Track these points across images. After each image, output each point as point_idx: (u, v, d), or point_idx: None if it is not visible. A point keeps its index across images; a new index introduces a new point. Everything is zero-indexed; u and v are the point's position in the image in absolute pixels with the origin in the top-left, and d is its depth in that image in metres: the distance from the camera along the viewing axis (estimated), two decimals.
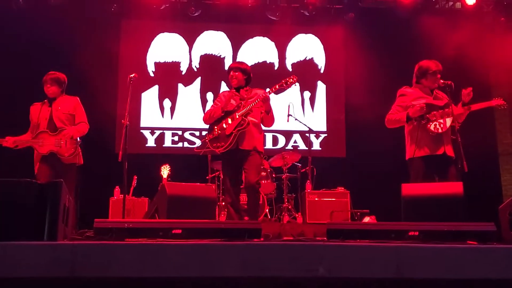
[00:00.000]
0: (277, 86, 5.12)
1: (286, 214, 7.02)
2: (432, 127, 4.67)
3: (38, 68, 5.75)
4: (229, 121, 5.07)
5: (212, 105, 5.38)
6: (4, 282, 2.09)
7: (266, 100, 5.06)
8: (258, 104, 5.07)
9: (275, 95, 5.14)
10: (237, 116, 5.04)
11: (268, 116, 5.17)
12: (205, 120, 5.29)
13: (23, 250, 2.10)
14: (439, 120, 4.68)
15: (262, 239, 3.13)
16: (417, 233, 2.75)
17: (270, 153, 7.76)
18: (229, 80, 5.33)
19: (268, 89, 5.12)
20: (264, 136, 8.10)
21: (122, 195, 5.11)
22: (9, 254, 2.09)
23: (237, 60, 8.59)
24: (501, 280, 2.18)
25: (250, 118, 5.05)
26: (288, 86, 5.19)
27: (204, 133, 8.47)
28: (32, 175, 5.12)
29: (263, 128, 5.32)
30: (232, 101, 5.19)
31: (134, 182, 7.03)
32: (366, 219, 6.51)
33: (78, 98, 5.42)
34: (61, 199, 2.39)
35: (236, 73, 5.22)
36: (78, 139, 5.24)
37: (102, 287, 2.13)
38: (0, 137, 5.22)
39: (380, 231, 2.81)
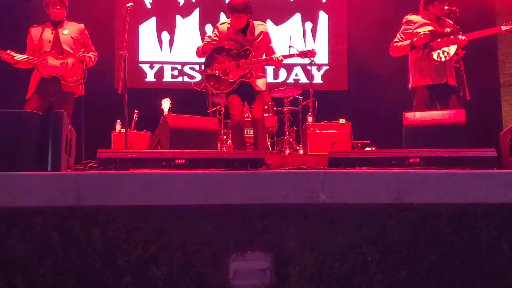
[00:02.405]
0: (295, 55, 5.04)
1: (287, 147, 7.07)
2: (435, 56, 4.63)
3: None
4: (233, 67, 4.90)
5: (209, 37, 5.17)
6: (10, 212, 2.12)
7: (279, 64, 5.01)
8: (263, 61, 4.96)
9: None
10: (243, 66, 4.89)
11: (276, 68, 5.13)
12: (198, 55, 5.12)
13: (28, 179, 2.12)
14: (443, 48, 4.62)
15: (264, 168, 3.17)
16: (417, 160, 2.77)
17: (271, 87, 7.70)
18: (232, 20, 5.06)
19: (283, 55, 5.04)
20: (265, 69, 8.07)
21: (124, 129, 5.12)
22: (14, 184, 2.12)
23: None
24: (500, 204, 2.22)
25: (254, 72, 4.92)
26: (306, 57, 5.10)
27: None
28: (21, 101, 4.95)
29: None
30: (235, 42, 5.02)
31: (135, 116, 7.04)
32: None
33: (83, 25, 5.28)
34: (63, 130, 2.40)
35: (242, 15, 4.94)
36: (84, 69, 5.09)
37: (107, 216, 2.17)
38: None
39: (381, 158, 2.83)
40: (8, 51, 4.88)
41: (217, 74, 4.95)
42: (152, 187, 2.17)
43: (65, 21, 5.16)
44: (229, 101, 5.08)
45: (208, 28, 8.53)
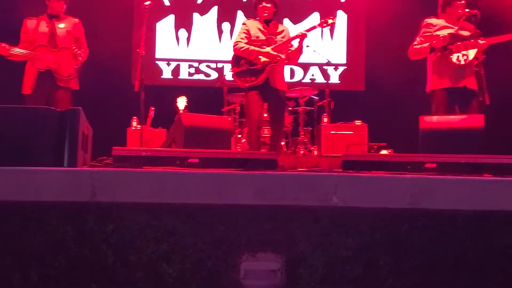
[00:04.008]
0: (316, 26, 5.07)
1: (301, 147, 7.05)
2: (454, 59, 4.58)
3: None
4: (260, 56, 4.98)
5: (240, 34, 5.20)
6: (26, 206, 2.15)
7: (303, 38, 5.00)
8: (288, 41, 5.02)
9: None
10: (270, 52, 4.97)
11: (298, 54, 5.13)
12: (236, 51, 5.15)
13: (45, 175, 2.15)
14: (462, 52, 4.57)
15: (277, 169, 3.16)
16: (434, 165, 2.74)
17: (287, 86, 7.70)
18: (258, 11, 5.17)
19: (305, 29, 5.05)
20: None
21: (140, 126, 5.14)
22: (31, 179, 2.15)
23: None
24: None
25: (280, 55, 5.00)
26: (327, 26, 5.12)
27: (220, 65, 8.43)
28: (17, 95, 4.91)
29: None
30: (261, 34, 5.10)
31: (151, 113, 7.07)
32: (383, 153, 6.52)
33: (78, 20, 5.17)
34: (79, 126, 2.42)
35: (269, 5, 5.09)
36: (78, 64, 4.99)
37: (121, 212, 2.19)
38: None
39: (396, 162, 2.81)
40: (3, 44, 4.81)
41: (245, 67, 5.02)
42: (165, 185, 2.18)
43: (62, 15, 5.07)
44: (248, 99, 5.12)
45: (226, 26, 8.54)
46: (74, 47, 4.95)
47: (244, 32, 5.18)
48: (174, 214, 2.21)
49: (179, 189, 2.18)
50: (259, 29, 5.15)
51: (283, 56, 5.04)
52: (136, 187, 2.16)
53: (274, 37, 5.08)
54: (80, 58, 5.02)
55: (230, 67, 5.26)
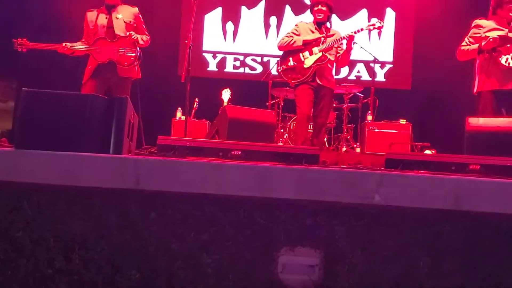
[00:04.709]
0: (363, 28, 5.11)
1: (344, 144, 7.00)
2: (503, 61, 4.46)
3: None
4: (307, 54, 5.10)
5: (287, 34, 5.31)
6: (72, 190, 2.21)
7: (352, 40, 5.09)
8: (338, 43, 5.08)
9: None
10: (318, 51, 5.06)
11: (347, 55, 5.21)
12: (281, 47, 5.29)
13: (91, 161, 2.21)
14: (511, 54, 4.45)
15: (319, 165, 3.16)
16: (478, 167, 2.69)
17: None
18: (313, 13, 5.29)
19: (353, 31, 5.10)
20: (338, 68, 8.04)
21: (184, 116, 5.21)
22: (77, 164, 2.21)
23: None
24: None
25: (329, 56, 5.07)
26: (374, 29, 5.19)
27: (266, 59, 8.45)
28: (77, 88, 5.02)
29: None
30: (312, 35, 5.18)
31: (196, 105, 7.16)
32: (427, 152, 6.42)
33: (137, 9, 5.23)
34: (126, 115, 2.47)
35: (324, 8, 5.21)
36: (138, 49, 5.03)
37: (164, 201, 2.23)
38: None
39: (440, 163, 2.76)
40: (64, 44, 4.95)
41: (292, 65, 5.11)
42: (208, 176, 2.21)
43: (119, 5, 5.14)
44: (297, 94, 5.19)
45: (273, 20, 8.55)
46: (130, 33, 4.99)
47: (293, 32, 5.28)
48: (215, 205, 2.24)
49: (221, 181, 2.20)
50: (311, 31, 5.23)
51: (331, 58, 5.09)
52: (179, 177, 2.20)
53: (324, 38, 5.13)
54: (142, 42, 5.07)
55: (278, 64, 5.33)
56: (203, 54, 8.56)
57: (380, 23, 5.12)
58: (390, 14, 8.61)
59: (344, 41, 5.14)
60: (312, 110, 5.25)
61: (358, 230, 2.23)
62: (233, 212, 2.24)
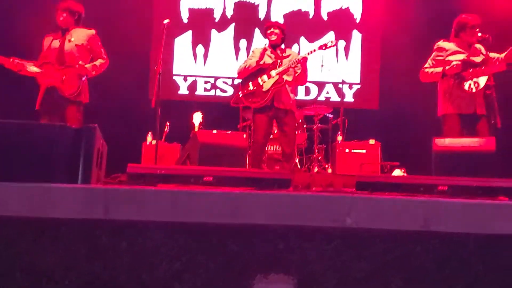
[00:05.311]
0: (316, 49, 5.22)
1: (316, 164, 7.05)
2: (466, 86, 4.58)
3: None
4: (265, 77, 5.18)
5: (245, 61, 5.44)
6: (39, 222, 2.17)
7: (305, 61, 5.18)
8: (294, 65, 5.17)
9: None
10: (275, 74, 5.15)
11: (304, 75, 5.30)
12: (240, 73, 5.39)
13: (59, 192, 2.17)
14: (474, 79, 4.57)
15: (291, 189, 3.17)
16: (446, 188, 2.74)
17: (302, 104, 7.73)
18: (267, 36, 5.43)
19: (307, 52, 5.22)
20: (297, 87, 8.11)
21: (155, 141, 5.18)
22: (44, 195, 2.17)
23: (271, 7, 8.55)
24: None
25: (286, 77, 5.16)
26: (327, 48, 5.30)
27: (236, 81, 8.48)
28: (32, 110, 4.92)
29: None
30: (268, 58, 5.27)
31: (167, 128, 7.13)
32: (397, 172, 6.50)
33: (94, 31, 5.09)
34: (95, 144, 2.45)
35: (277, 31, 5.34)
36: (84, 79, 4.91)
37: (134, 230, 2.20)
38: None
39: (409, 184, 2.81)
40: (11, 59, 4.82)
41: (252, 89, 5.17)
42: (179, 204, 2.19)
43: (73, 28, 5.00)
44: (255, 121, 5.31)
45: (243, 43, 8.61)
46: (78, 64, 4.87)
47: (250, 58, 5.42)
48: (187, 233, 2.22)
49: (192, 208, 2.19)
50: (267, 54, 5.34)
51: (288, 79, 5.18)
52: (149, 206, 2.18)
53: (280, 60, 5.25)
54: (93, 72, 4.97)
55: (239, 89, 5.40)
56: (174, 77, 8.56)
57: (331, 42, 5.25)
58: (356, 36, 8.76)
59: (299, 64, 5.25)
60: (279, 137, 5.32)
61: (330, 254, 2.24)
62: (205, 239, 2.22)
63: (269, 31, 5.37)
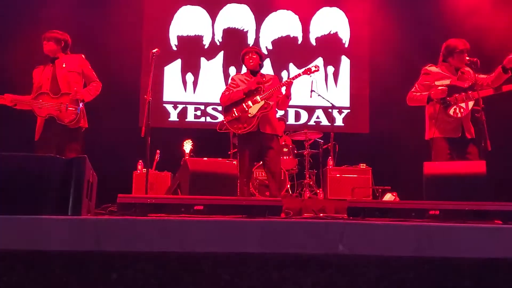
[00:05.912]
0: (301, 73, 5.28)
1: (307, 190, 7.05)
2: (451, 112, 4.60)
3: None
4: (250, 103, 5.19)
5: (226, 88, 5.42)
6: (30, 255, 2.15)
7: (290, 86, 5.22)
8: (278, 89, 5.20)
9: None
10: (260, 99, 5.16)
11: (287, 100, 5.34)
12: (223, 102, 5.39)
13: (49, 224, 2.16)
14: (460, 104, 4.60)
15: (283, 215, 3.16)
16: (437, 212, 2.75)
17: (292, 129, 7.76)
18: (245, 62, 5.43)
19: (291, 77, 5.27)
20: (287, 111, 8.15)
21: (145, 169, 5.16)
22: (35, 228, 2.15)
23: (260, 34, 8.63)
24: None
25: (271, 102, 5.18)
26: (311, 73, 5.34)
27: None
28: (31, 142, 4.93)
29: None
30: (248, 84, 5.31)
31: (157, 156, 7.11)
32: (388, 196, 6.51)
33: (82, 55, 5.13)
34: (85, 175, 2.44)
35: (255, 56, 5.35)
36: (81, 105, 4.91)
37: (126, 261, 2.18)
38: None
39: (401, 209, 2.82)
40: (4, 96, 4.83)
41: (237, 115, 5.17)
42: (170, 234, 2.18)
43: (62, 55, 5.04)
44: (240, 157, 5.28)
45: (232, 70, 8.67)
46: (73, 90, 4.89)
47: (231, 85, 5.42)
48: (179, 262, 2.20)
49: (183, 238, 2.18)
50: (247, 80, 5.35)
51: (271, 103, 5.20)
52: (140, 236, 2.16)
53: (263, 86, 5.27)
54: (89, 96, 5.01)
55: (223, 116, 5.39)
56: (164, 104, 8.57)
57: (315, 67, 5.30)
58: (345, 61, 8.85)
59: (284, 87, 5.27)
60: (266, 163, 5.27)
61: (324, 281, 2.22)
62: (197, 269, 2.20)
63: (247, 57, 5.38)
